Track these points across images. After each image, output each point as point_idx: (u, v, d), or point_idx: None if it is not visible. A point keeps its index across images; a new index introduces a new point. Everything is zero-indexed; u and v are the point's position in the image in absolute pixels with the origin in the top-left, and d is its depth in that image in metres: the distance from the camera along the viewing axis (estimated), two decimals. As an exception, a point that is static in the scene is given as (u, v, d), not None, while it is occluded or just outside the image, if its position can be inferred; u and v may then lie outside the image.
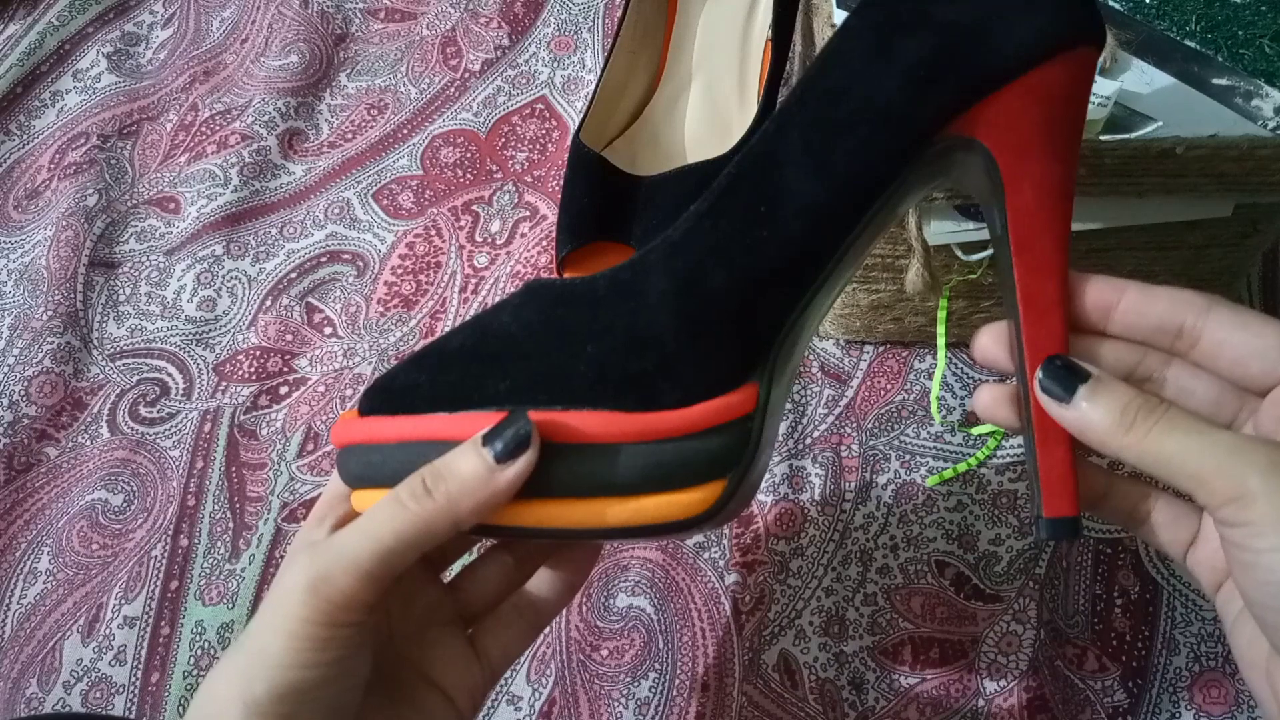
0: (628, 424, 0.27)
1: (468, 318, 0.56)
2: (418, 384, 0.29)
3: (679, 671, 0.46)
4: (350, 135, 0.64)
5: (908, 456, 0.50)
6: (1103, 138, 0.40)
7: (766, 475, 0.50)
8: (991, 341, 0.31)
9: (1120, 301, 0.29)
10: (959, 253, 0.43)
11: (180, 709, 0.46)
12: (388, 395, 0.30)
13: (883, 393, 0.52)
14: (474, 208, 0.61)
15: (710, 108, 0.56)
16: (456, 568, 0.36)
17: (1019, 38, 0.27)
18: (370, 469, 0.28)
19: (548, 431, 0.27)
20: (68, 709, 0.46)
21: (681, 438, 0.28)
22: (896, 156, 0.28)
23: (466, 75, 0.67)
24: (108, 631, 0.48)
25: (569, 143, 0.54)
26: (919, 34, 0.28)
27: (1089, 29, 0.28)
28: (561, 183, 0.52)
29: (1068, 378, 0.28)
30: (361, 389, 0.54)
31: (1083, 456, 0.30)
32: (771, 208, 0.28)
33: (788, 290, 0.29)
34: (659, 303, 0.28)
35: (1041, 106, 0.28)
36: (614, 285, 0.29)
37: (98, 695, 0.47)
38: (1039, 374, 0.28)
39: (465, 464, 0.27)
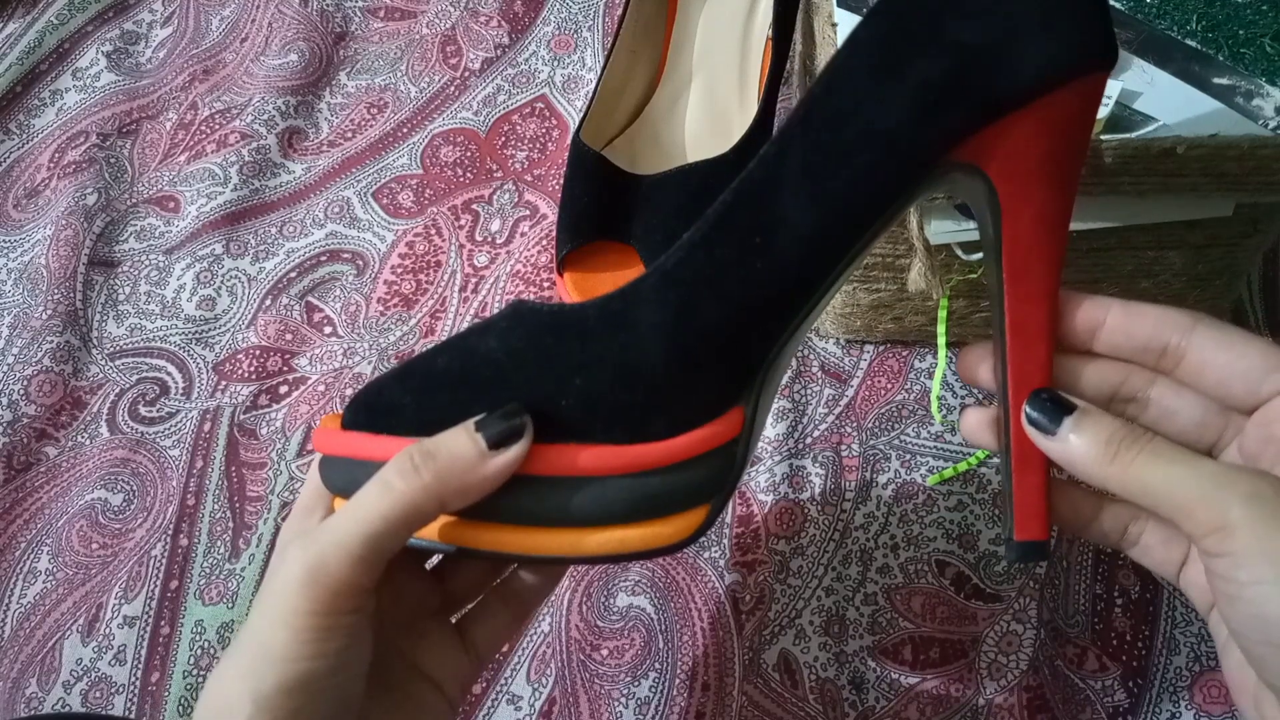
0: (615, 457, 0.27)
1: (467, 318, 0.56)
2: (403, 405, 0.29)
3: (679, 671, 0.46)
4: (350, 134, 0.64)
5: (908, 456, 0.50)
6: (1103, 137, 0.40)
7: (767, 475, 0.50)
8: (977, 362, 0.31)
9: (1105, 320, 0.29)
10: (959, 252, 0.43)
11: (180, 709, 0.46)
12: (372, 412, 0.29)
13: (883, 392, 0.52)
14: (474, 207, 0.61)
15: (710, 107, 0.56)
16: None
17: (1034, 62, 0.26)
18: (354, 485, 0.28)
19: (538, 464, 0.27)
20: (68, 709, 0.46)
21: (668, 468, 0.27)
22: (898, 183, 0.27)
23: (466, 74, 0.66)
24: (107, 631, 0.48)
25: (569, 142, 0.54)
26: (929, 54, 0.26)
27: (1104, 52, 0.27)
28: (562, 182, 0.52)
29: (1054, 410, 0.28)
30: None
31: (1073, 481, 0.30)
32: (767, 238, 0.27)
33: (780, 317, 0.28)
34: (650, 335, 0.27)
35: (1049, 135, 0.27)
36: (604, 315, 0.28)
37: (98, 695, 0.47)
38: (1026, 407, 0.29)
39: (456, 445, 0.27)
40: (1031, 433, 0.28)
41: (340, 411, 0.31)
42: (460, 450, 0.27)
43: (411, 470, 0.27)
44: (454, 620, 0.34)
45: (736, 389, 0.28)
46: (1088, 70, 0.26)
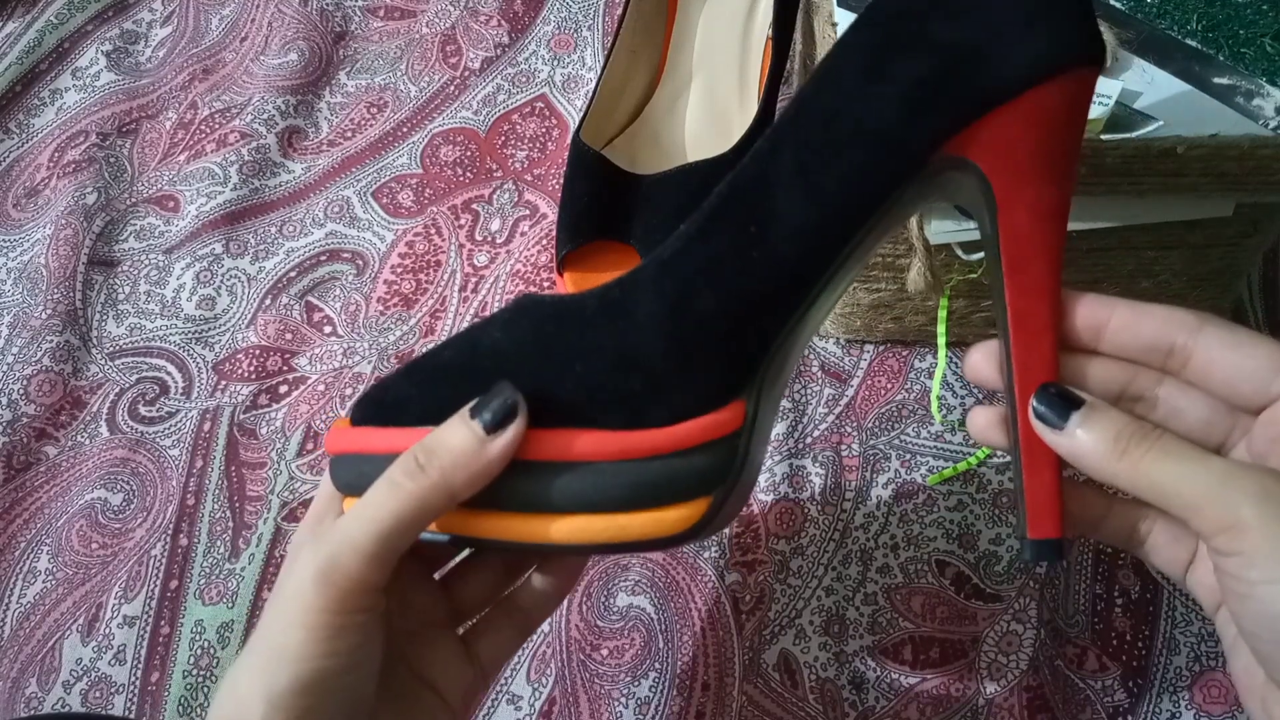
0: (615, 443, 0.28)
1: (467, 317, 0.56)
2: (409, 397, 0.30)
3: (679, 671, 0.46)
4: (350, 133, 0.64)
5: (908, 456, 0.50)
6: (1103, 137, 0.40)
7: (767, 475, 0.50)
8: (983, 360, 0.31)
9: (1111, 320, 0.29)
10: (959, 252, 0.43)
11: (180, 709, 0.46)
12: (379, 407, 0.30)
13: (883, 392, 0.52)
14: (474, 206, 0.61)
15: (710, 106, 0.56)
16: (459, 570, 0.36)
17: (1018, 58, 0.27)
18: (362, 479, 0.29)
19: (536, 449, 0.28)
20: (68, 709, 0.46)
21: (667, 455, 0.28)
22: (890, 179, 0.28)
23: (466, 73, 0.66)
24: (107, 631, 0.48)
25: (569, 141, 0.54)
26: (916, 54, 0.27)
27: (1089, 50, 0.27)
28: (562, 181, 0.52)
29: (1062, 405, 0.28)
30: (361, 388, 0.54)
31: (1081, 479, 0.30)
32: (762, 229, 0.28)
33: (777, 310, 0.28)
34: (648, 323, 0.28)
35: (1038, 128, 0.27)
36: (603, 304, 0.29)
37: (97, 695, 0.47)
38: (1034, 401, 0.28)
39: (455, 437, 0.27)
40: (1039, 428, 0.28)
41: (348, 415, 0.31)
42: (460, 440, 0.27)
43: (417, 468, 0.27)
44: (460, 632, 0.34)
45: (737, 382, 0.28)
46: (1072, 65, 0.27)
